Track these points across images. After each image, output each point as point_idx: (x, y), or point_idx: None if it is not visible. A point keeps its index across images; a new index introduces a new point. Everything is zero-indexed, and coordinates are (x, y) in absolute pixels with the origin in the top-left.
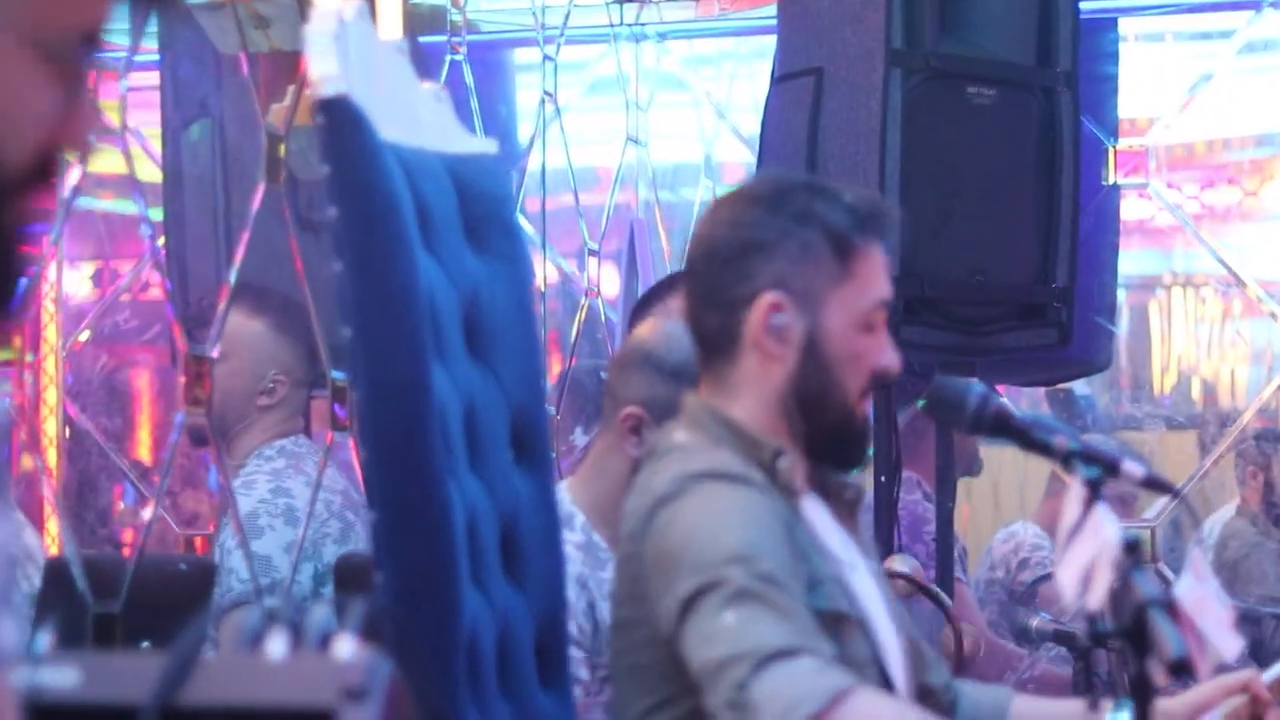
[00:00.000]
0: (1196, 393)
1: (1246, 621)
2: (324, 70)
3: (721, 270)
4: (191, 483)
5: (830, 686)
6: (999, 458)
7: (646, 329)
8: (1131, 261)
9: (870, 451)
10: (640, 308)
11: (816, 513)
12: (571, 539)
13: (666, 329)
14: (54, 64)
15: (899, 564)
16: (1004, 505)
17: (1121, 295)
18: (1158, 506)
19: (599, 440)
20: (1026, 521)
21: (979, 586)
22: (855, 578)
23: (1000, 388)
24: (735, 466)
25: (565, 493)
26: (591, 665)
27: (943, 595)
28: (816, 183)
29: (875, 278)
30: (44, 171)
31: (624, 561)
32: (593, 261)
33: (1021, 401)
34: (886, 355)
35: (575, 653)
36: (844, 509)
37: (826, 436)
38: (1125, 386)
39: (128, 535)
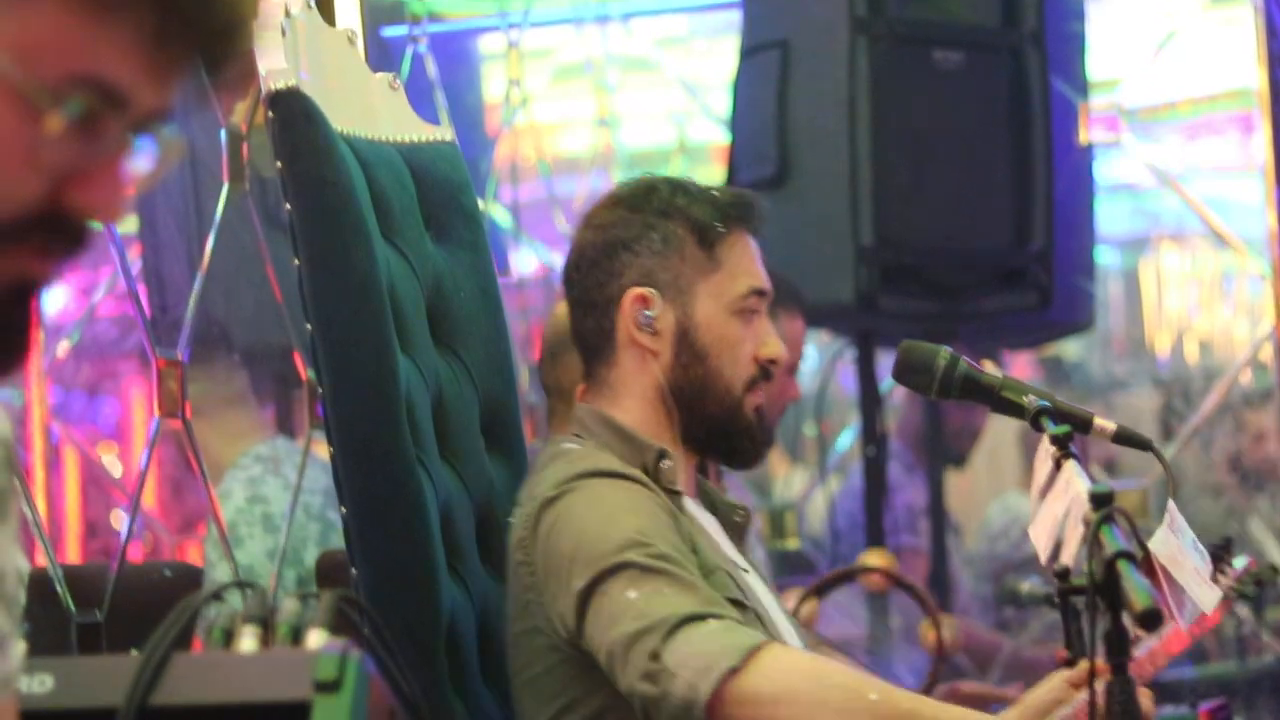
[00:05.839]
0: (1193, 352)
1: None
2: (272, 64)
3: (590, 272)
4: (179, 490)
5: (743, 642)
6: (998, 424)
7: (556, 315)
8: (1121, 222)
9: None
10: None
11: (701, 514)
12: None
13: None
14: (56, 115)
15: (873, 558)
16: (1004, 473)
17: (1113, 256)
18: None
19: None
20: (1020, 492)
21: (979, 560)
22: (748, 579)
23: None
24: (616, 465)
25: None
26: None
27: (920, 589)
28: (681, 180)
29: (745, 265)
30: (51, 231)
31: (513, 573)
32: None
33: (1013, 369)
34: (770, 344)
35: None
36: (733, 531)
37: (712, 430)
38: (1119, 348)
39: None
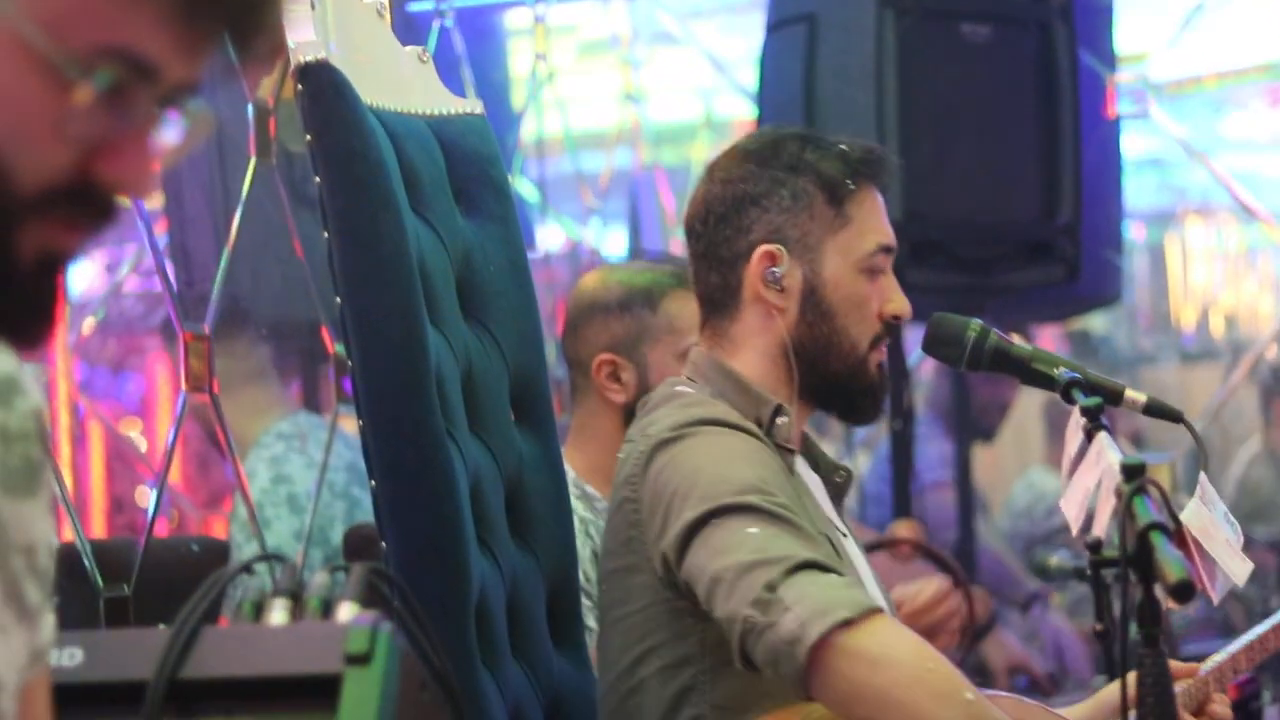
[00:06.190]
0: (1218, 326)
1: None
2: (301, 36)
3: (718, 227)
4: (204, 465)
5: (863, 601)
6: (1023, 399)
7: (577, 288)
8: (1146, 196)
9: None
10: None
11: (807, 474)
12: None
13: (592, 277)
14: (85, 86)
15: (902, 529)
16: (1029, 447)
17: (1139, 230)
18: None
19: (578, 412)
20: (1045, 467)
21: (1004, 536)
22: (846, 544)
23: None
24: (733, 417)
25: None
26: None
27: (949, 559)
28: (809, 133)
29: (873, 222)
30: (78, 204)
31: (617, 509)
32: (596, 224)
33: (1040, 343)
34: (895, 301)
35: (584, 601)
36: (833, 490)
37: (834, 386)
38: (1145, 323)
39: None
